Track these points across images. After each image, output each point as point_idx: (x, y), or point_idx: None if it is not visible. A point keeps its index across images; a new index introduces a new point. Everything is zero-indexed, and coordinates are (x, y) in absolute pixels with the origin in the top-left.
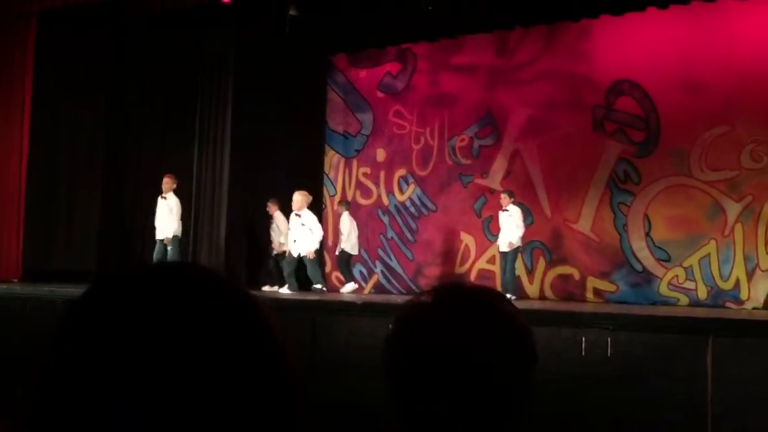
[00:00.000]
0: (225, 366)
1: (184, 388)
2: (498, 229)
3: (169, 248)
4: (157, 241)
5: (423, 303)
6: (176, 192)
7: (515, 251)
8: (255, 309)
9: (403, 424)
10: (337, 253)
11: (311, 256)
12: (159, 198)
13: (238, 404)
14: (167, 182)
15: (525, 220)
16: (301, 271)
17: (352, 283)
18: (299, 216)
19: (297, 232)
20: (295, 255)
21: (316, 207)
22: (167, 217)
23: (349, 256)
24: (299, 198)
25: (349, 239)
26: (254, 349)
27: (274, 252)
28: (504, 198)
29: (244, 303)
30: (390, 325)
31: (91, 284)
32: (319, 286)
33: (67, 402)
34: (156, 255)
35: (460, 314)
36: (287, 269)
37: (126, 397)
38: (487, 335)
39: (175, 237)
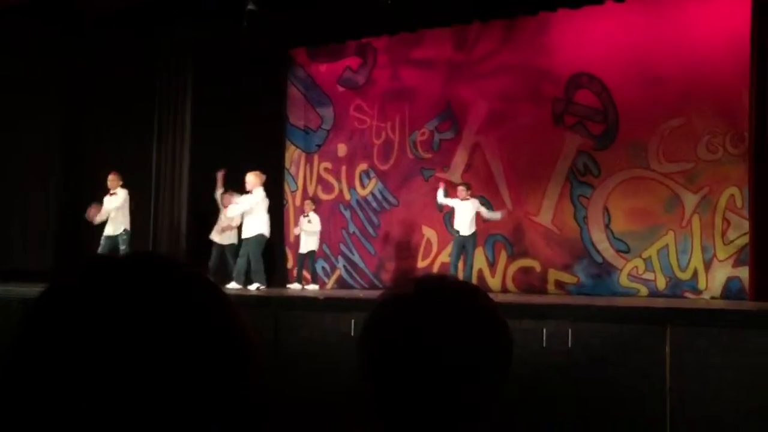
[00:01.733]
0: (197, 360)
1: (155, 384)
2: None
3: (120, 244)
4: (104, 238)
5: (403, 294)
6: (131, 189)
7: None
8: (226, 303)
9: (373, 413)
10: (305, 251)
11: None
12: (107, 196)
13: (205, 401)
14: (113, 179)
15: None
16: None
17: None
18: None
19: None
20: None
21: (278, 202)
22: (118, 213)
23: (310, 252)
24: (252, 178)
25: (317, 237)
26: (225, 344)
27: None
28: (461, 190)
29: (217, 296)
30: (352, 321)
31: (64, 273)
32: (256, 285)
33: (38, 398)
34: (102, 251)
35: (439, 309)
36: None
37: (95, 392)
38: (465, 332)
39: (125, 231)
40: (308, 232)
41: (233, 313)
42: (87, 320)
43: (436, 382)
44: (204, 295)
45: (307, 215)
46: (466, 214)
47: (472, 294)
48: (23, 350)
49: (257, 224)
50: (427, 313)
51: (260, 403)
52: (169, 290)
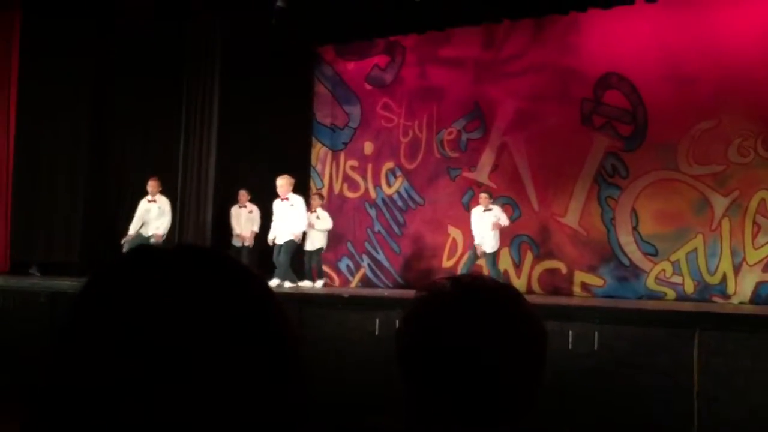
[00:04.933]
0: (241, 357)
1: (205, 377)
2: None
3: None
4: (135, 235)
5: (440, 291)
6: (162, 184)
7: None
8: (275, 302)
9: (410, 406)
10: (311, 249)
11: (299, 239)
12: (144, 200)
13: (249, 400)
14: (154, 185)
15: (511, 215)
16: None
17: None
18: (287, 200)
19: (285, 217)
20: (281, 242)
21: (304, 200)
22: (159, 218)
23: (317, 249)
24: (283, 182)
25: (325, 235)
26: (272, 342)
27: (246, 243)
28: (484, 198)
29: (268, 290)
30: (377, 319)
31: (108, 264)
32: (278, 281)
33: (84, 385)
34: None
35: (476, 307)
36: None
37: (140, 383)
38: (501, 332)
39: (164, 235)
40: (316, 229)
41: (283, 309)
42: (137, 312)
43: (470, 380)
44: (258, 288)
45: (315, 211)
46: (488, 225)
47: (509, 294)
48: (71, 340)
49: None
50: (464, 311)
51: (303, 402)
52: (223, 282)
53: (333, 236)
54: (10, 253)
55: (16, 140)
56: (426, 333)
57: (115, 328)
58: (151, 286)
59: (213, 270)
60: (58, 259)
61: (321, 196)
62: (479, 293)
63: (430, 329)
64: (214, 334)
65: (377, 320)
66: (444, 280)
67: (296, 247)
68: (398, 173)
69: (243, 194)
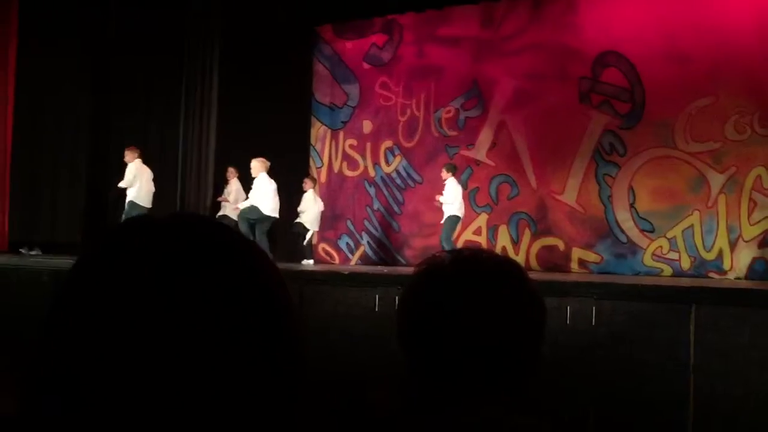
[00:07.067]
0: (240, 332)
1: (201, 354)
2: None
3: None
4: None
5: (441, 267)
6: (158, 166)
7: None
8: (274, 273)
9: (410, 380)
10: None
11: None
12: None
13: (247, 375)
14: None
15: (509, 193)
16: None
17: (311, 260)
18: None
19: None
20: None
21: (303, 178)
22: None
23: (304, 228)
24: (255, 164)
25: (309, 213)
26: (272, 315)
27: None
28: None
29: (268, 266)
30: (376, 296)
31: (108, 234)
32: None
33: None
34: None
35: (474, 280)
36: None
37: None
38: (499, 304)
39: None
40: (303, 210)
41: (282, 280)
42: (131, 285)
43: (469, 354)
44: (257, 260)
45: (306, 192)
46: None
47: (507, 267)
48: (63, 316)
49: (262, 205)
50: (463, 285)
51: (303, 376)
52: (222, 253)
53: (332, 215)
54: (8, 233)
55: (15, 122)
56: (426, 307)
57: (108, 304)
58: (147, 257)
59: (211, 240)
60: (60, 240)
61: (313, 180)
62: (479, 267)
63: (430, 303)
64: (211, 307)
65: (377, 297)
66: (443, 253)
67: (251, 220)
68: (397, 152)
69: (231, 171)
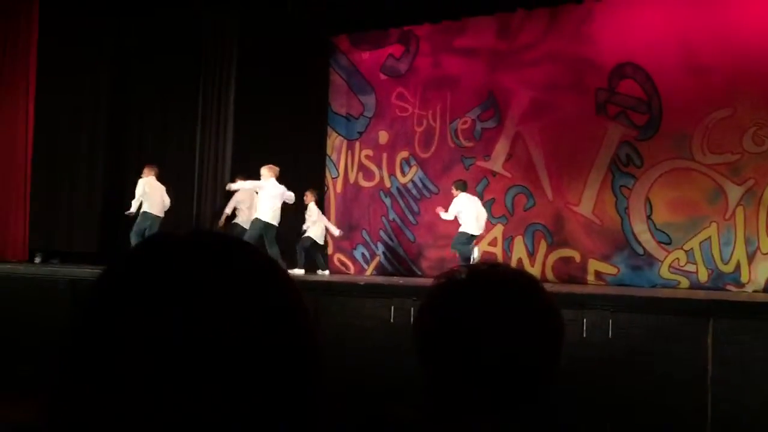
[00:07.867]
0: (260, 349)
1: (223, 369)
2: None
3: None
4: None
5: (458, 281)
6: (174, 174)
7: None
8: (294, 288)
9: (428, 393)
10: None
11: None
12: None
13: (268, 390)
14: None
15: (525, 204)
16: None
17: (326, 271)
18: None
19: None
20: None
21: (319, 189)
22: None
23: (312, 242)
24: (265, 171)
25: (316, 227)
26: (291, 332)
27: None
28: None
29: (287, 283)
30: (392, 307)
31: (126, 254)
32: None
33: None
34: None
35: (490, 295)
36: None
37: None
38: (515, 318)
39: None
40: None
41: (299, 295)
42: (152, 303)
43: (486, 367)
44: (276, 277)
45: (309, 204)
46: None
47: (525, 281)
48: (84, 332)
49: (261, 211)
50: (480, 299)
51: (322, 390)
52: (242, 271)
53: (348, 225)
54: (29, 243)
55: (35, 131)
56: (443, 319)
57: (130, 321)
58: (168, 276)
59: (231, 258)
60: (78, 249)
61: (312, 193)
62: (495, 280)
63: (448, 316)
64: (232, 326)
65: (392, 308)
66: (460, 267)
67: (260, 228)
68: (413, 162)
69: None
